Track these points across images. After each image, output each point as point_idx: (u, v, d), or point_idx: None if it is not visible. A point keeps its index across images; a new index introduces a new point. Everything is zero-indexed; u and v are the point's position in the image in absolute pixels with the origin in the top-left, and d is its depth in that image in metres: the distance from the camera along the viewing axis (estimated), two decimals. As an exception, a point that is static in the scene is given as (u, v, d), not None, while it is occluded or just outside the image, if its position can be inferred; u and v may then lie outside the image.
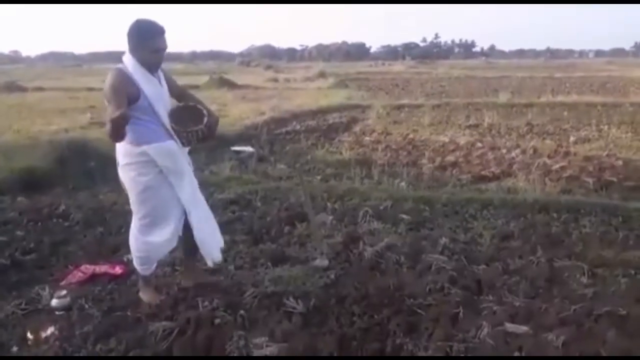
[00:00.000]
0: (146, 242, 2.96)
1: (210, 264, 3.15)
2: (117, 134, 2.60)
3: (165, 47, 2.80)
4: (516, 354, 2.51)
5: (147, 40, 2.72)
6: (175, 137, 2.82)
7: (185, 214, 2.99)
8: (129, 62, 2.76)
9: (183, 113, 2.88)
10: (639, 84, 20.67)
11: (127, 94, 2.68)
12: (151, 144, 2.78)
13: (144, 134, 2.76)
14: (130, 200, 2.94)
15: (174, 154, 2.85)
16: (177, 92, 3.05)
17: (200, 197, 3.07)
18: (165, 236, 2.96)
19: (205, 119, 2.76)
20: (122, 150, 2.85)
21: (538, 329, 2.69)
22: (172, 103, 2.98)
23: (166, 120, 2.81)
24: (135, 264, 3.08)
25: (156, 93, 2.80)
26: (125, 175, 2.87)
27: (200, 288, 3.16)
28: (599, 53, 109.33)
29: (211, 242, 3.09)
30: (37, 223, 4.49)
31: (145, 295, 3.10)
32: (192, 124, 2.77)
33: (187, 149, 2.98)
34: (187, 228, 3.04)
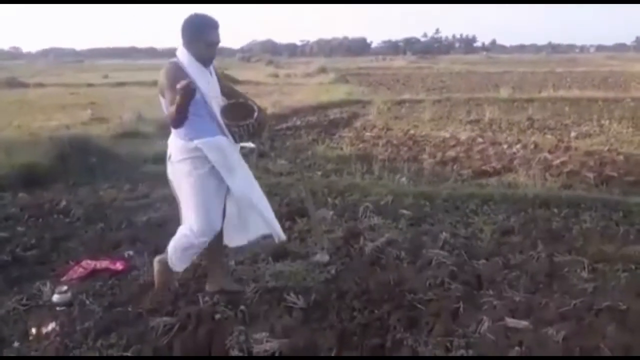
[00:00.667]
0: (195, 241, 2.87)
1: (277, 240, 3.10)
2: (182, 113, 2.58)
3: (218, 41, 2.80)
4: (516, 348, 2.52)
5: (201, 34, 2.73)
6: (227, 132, 2.82)
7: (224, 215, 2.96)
8: (183, 56, 2.76)
9: (234, 109, 2.86)
10: (639, 79, 20.63)
11: None
12: (202, 139, 2.76)
13: (195, 129, 2.74)
14: (183, 194, 2.87)
15: (225, 148, 2.82)
16: (225, 88, 3.02)
17: (258, 188, 3.03)
18: (207, 232, 2.88)
19: (256, 114, 2.76)
20: (177, 146, 2.83)
21: (538, 324, 2.70)
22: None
23: (218, 114, 2.81)
24: (174, 260, 2.94)
25: (209, 86, 2.80)
26: (180, 170, 2.83)
27: (225, 295, 3.09)
28: (600, 48, 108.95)
29: (274, 220, 3.05)
30: (38, 219, 4.50)
31: (162, 278, 3.01)
32: (243, 119, 2.77)
33: (238, 145, 2.95)
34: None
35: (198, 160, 2.79)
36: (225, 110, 2.84)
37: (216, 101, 2.83)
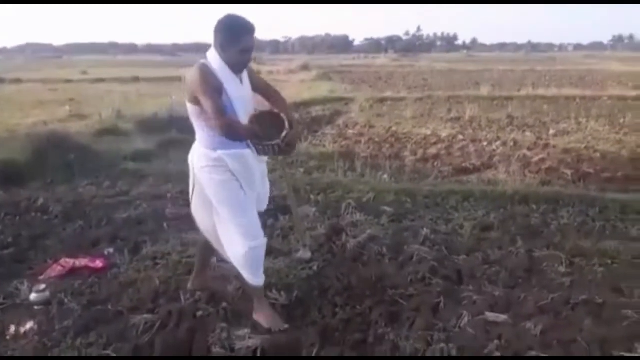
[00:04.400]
0: (253, 246, 2.67)
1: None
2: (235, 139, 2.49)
3: (253, 47, 2.58)
4: (496, 342, 2.55)
5: (237, 39, 2.51)
6: (251, 146, 2.61)
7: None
8: (213, 58, 2.56)
9: (266, 118, 2.64)
10: (616, 78, 21.03)
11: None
12: (227, 150, 2.60)
13: (221, 140, 2.55)
14: (217, 202, 2.68)
15: (247, 160, 2.66)
16: (261, 89, 2.85)
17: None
18: (260, 236, 2.73)
19: (285, 133, 2.48)
20: (199, 154, 2.69)
21: (517, 318, 2.75)
22: (255, 100, 2.80)
23: (246, 123, 2.59)
24: (248, 275, 2.72)
25: (238, 93, 2.61)
26: (204, 177, 2.69)
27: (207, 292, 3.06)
28: (578, 47, 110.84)
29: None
30: (15, 217, 4.41)
31: (264, 318, 2.77)
32: (274, 130, 2.52)
33: (265, 158, 2.81)
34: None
35: (217, 169, 2.63)
36: (255, 119, 2.60)
37: (245, 108, 2.62)
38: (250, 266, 2.70)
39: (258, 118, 2.61)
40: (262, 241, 2.72)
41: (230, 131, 2.45)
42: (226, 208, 2.66)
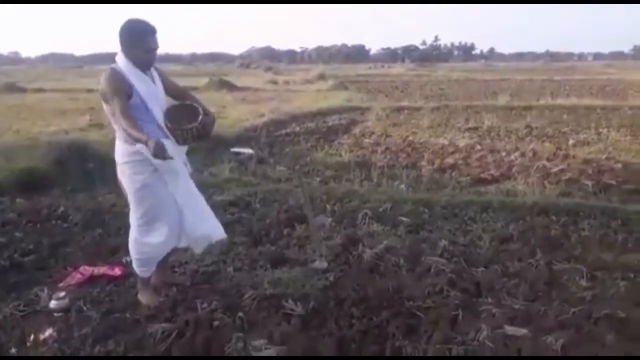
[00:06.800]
0: (145, 244, 2.98)
1: (215, 240, 3.18)
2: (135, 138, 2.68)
3: (156, 47, 2.84)
4: (515, 356, 2.51)
5: (138, 40, 2.77)
6: (170, 135, 2.85)
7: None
8: (121, 61, 2.81)
9: (179, 111, 2.92)
10: (638, 87, 20.71)
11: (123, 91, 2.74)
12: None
13: None
14: (129, 200, 2.97)
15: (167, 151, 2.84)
16: (174, 91, 3.09)
17: (196, 194, 3.09)
18: (163, 236, 2.98)
19: (200, 117, 2.78)
20: (120, 150, 2.89)
21: (537, 332, 2.69)
22: (169, 102, 3.01)
23: (160, 118, 2.86)
24: (135, 266, 3.09)
25: (149, 91, 2.83)
26: (123, 173, 2.91)
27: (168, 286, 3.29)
28: (598, 56, 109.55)
29: (213, 230, 3.12)
30: (36, 224, 4.48)
31: (144, 297, 3.10)
32: (188, 122, 2.81)
33: (184, 148, 3.02)
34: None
35: (139, 163, 2.82)
36: (170, 113, 2.87)
37: (158, 105, 2.87)
38: (139, 259, 3.03)
39: (172, 111, 2.87)
40: (164, 242, 2.97)
41: (133, 129, 2.65)
42: (142, 210, 2.91)
